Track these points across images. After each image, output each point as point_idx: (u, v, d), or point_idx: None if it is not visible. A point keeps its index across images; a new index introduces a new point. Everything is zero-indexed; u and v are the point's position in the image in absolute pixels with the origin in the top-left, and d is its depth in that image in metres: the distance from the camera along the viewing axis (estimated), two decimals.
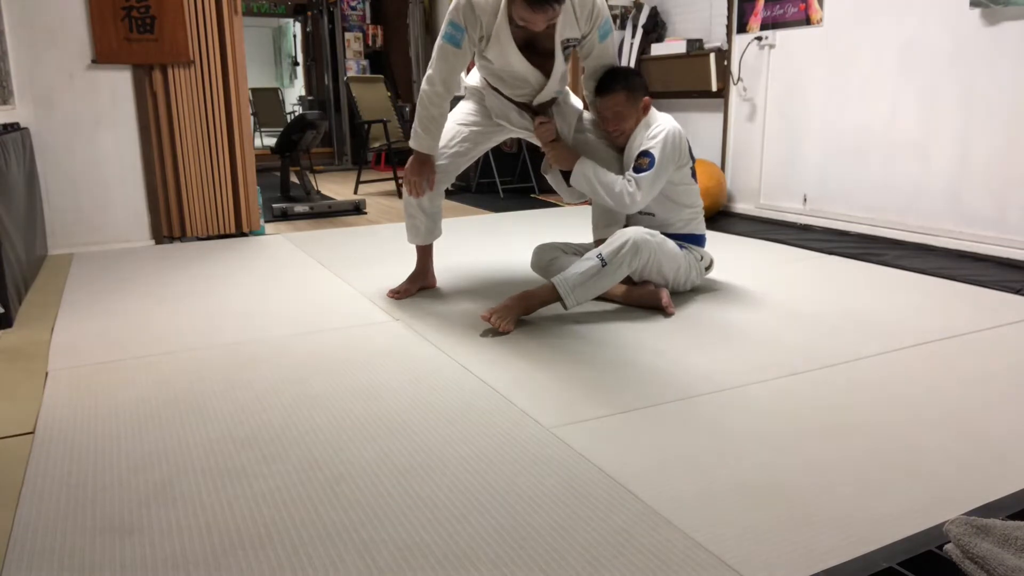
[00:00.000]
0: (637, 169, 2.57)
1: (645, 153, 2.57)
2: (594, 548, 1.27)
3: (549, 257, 2.82)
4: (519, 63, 2.52)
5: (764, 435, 1.68)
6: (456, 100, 2.81)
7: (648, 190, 2.56)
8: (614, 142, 2.71)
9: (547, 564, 1.23)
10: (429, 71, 2.56)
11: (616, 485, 1.47)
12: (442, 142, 2.74)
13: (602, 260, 2.49)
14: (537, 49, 2.53)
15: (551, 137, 2.66)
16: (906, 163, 3.68)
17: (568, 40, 2.53)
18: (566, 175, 2.69)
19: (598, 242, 2.83)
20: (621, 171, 2.65)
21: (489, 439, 1.68)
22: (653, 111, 2.69)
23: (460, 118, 2.80)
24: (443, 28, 2.49)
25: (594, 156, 2.66)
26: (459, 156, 2.78)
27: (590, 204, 2.94)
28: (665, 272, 2.64)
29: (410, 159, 2.71)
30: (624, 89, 2.60)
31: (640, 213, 2.77)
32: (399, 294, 2.86)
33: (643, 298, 2.63)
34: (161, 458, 1.62)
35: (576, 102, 2.85)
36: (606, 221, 2.83)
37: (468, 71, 2.84)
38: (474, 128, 2.78)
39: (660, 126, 2.61)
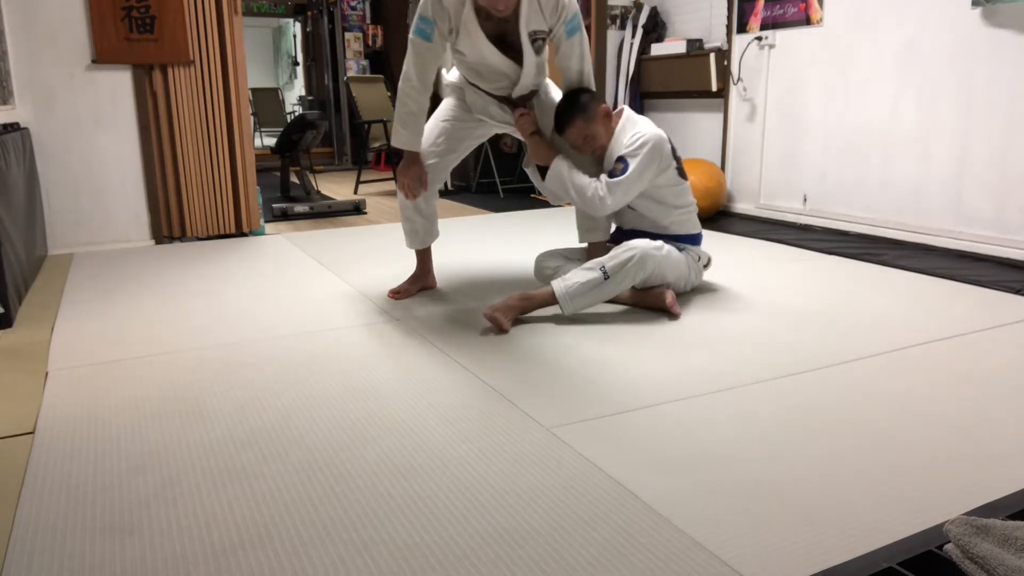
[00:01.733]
0: (611, 174, 2.57)
1: (620, 159, 2.58)
2: (594, 548, 1.27)
3: (553, 266, 2.81)
4: (491, 54, 2.52)
5: (764, 435, 1.68)
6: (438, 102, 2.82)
7: (620, 196, 2.56)
8: (599, 159, 2.69)
9: (547, 564, 1.23)
10: (404, 68, 2.57)
11: (616, 485, 1.47)
12: (428, 142, 2.75)
13: (605, 273, 2.49)
14: (507, 42, 2.52)
15: (531, 129, 2.66)
16: (906, 163, 3.68)
17: (535, 32, 2.51)
18: (543, 172, 2.68)
19: (586, 247, 2.85)
20: (599, 172, 2.65)
21: (489, 439, 1.68)
22: (627, 115, 2.67)
23: (443, 115, 2.81)
24: (413, 23, 2.50)
25: (575, 157, 2.66)
26: (447, 154, 2.79)
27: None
28: (668, 279, 2.63)
29: (400, 162, 2.72)
30: (579, 115, 2.58)
31: (631, 209, 2.75)
32: (399, 294, 2.86)
33: (647, 300, 2.63)
34: (161, 458, 1.62)
35: (556, 96, 2.82)
36: (588, 225, 2.84)
37: (449, 69, 2.84)
38: (457, 123, 2.78)
39: (639, 133, 2.58)
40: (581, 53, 2.62)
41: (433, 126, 2.78)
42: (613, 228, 2.92)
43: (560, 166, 2.60)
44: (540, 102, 2.76)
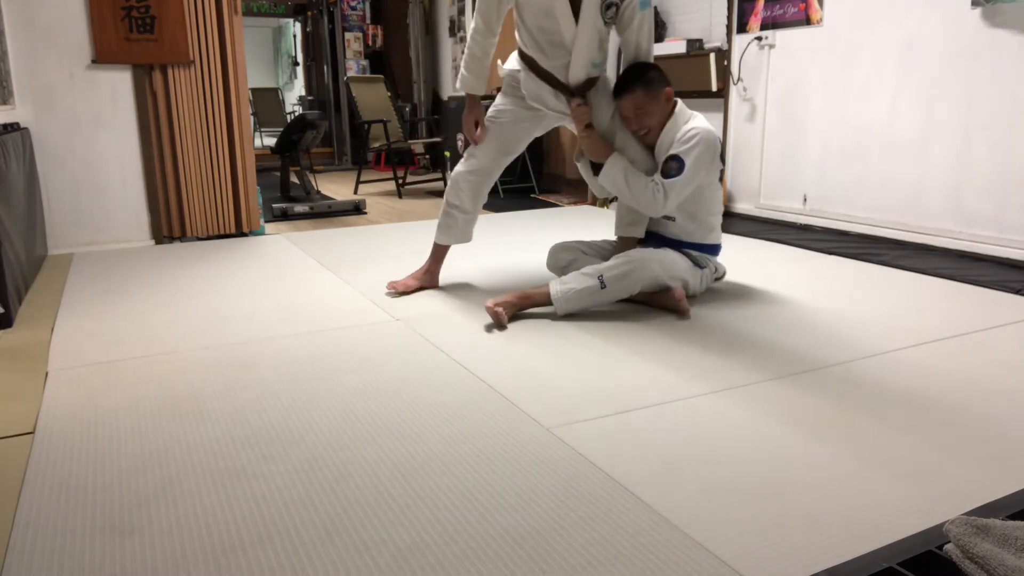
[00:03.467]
0: (665, 174, 2.53)
1: (674, 158, 2.52)
2: (594, 548, 1.27)
3: (568, 259, 2.78)
4: (561, 4, 2.49)
5: (764, 435, 1.68)
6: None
7: (676, 196, 2.52)
8: (643, 141, 2.65)
9: (547, 564, 1.23)
10: (474, 17, 2.63)
11: (616, 485, 1.47)
12: (482, 144, 2.78)
13: (602, 282, 2.50)
14: (575, 8, 2.51)
15: (586, 121, 2.61)
16: (906, 163, 3.68)
17: None
18: (596, 168, 2.65)
19: (619, 240, 2.82)
20: (650, 162, 2.62)
21: (489, 439, 1.68)
22: (683, 107, 2.64)
23: (496, 116, 2.81)
24: None
25: (630, 151, 2.63)
26: (501, 156, 2.82)
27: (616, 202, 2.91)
28: (671, 286, 2.62)
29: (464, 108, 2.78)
30: (641, 85, 2.55)
31: (662, 218, 2.74)
32: (397, 286, 2.86)
33: (657, 300, 2.61)
34: (161, 458, 1.62)
35: None
36: (630, 219, 2.79)
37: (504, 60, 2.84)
38: (510, 126, 2.79)
39: (694, 129, 2.54)
40: (649, 29, 2.63)
41: (489, 130, 2.80)
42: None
43: (616, 163, 2.56)
44: (596, 98, 2.70)
